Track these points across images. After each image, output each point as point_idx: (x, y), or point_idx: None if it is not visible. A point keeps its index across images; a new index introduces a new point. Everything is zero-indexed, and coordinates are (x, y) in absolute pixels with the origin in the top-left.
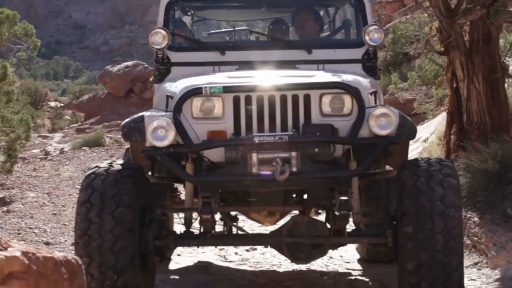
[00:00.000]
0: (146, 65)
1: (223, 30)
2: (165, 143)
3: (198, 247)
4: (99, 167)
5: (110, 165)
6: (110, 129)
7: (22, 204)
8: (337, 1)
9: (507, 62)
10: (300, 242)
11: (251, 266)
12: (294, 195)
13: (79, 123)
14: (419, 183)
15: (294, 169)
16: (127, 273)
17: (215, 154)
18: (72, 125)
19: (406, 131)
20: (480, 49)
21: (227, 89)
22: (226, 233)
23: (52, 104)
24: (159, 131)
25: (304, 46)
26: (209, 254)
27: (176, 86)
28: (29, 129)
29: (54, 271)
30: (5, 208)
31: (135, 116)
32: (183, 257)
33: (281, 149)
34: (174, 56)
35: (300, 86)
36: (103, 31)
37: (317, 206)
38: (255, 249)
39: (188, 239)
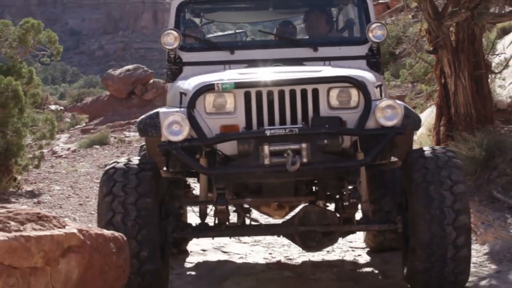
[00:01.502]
0: (146, 68)
1: (229, 32)
2: (180, 137)
3: (213, 238)
4: (118, 162)
5: (129, 160)
6: (114, 129)
7: (50, 196)
8: (341, 1)
9: (490, 60)
10: (311, 231)
11: (263, 246)
12: (304, 187)
13: (84, 124)
14: (428, 175)
15: (305, 160)
16: (149, 262)
17: (228, 148)
18: (77, 126)
19: (411, 122)
20: (466, 48)
21: (238, 85)
22: (240, 224)
23: (53, 107)
24: (174, 126)
25: (310, 44)
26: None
27: (189, 83)
28: (53, 128)
29: (104, 246)
30: (35, 200)
31: (151, 112)
32: (201, 239)
33: (291, 141)
34: (186, 56)
35: (308, 80)
36: (98, 37)
37: (326, 197)
38: None
39: (204, 230)
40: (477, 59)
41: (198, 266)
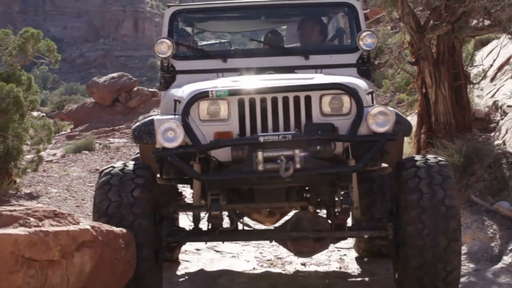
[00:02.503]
0: (131, 76)
1: (212, 42)
2: (175, 144)
3: (206, 243)
4: (114, 167)
5: (125, 165)
6: (99, 135)
7: (48, 198)
8: (331, 10)
9: (469, 71)
10: (303, 237)
11: (254, 246)
12: (296, 193)
13: (69, 130)
14: (421, 184)
15: (298, 166)
16: (143, 263)
17: (222, 154)
18: (62, 133)
19: (402, 128)
20: (446, 60)
21: (232, 92)
22: (233, 229)
23: (35, 114)
24: (169, 133)
25: (301, 52)
26: None
27: (183, 91)
28: (50, 133)
29: (114, 241)
30: (35, 202)
31: (145, 120)
32: None
33: (285, 147)
34: (179, 65)
35: (301, 87)
36: (79, 45)
37: (318, 203)
38: None
39: (198, 235)
40: (457, 71)
41: (193, 263)
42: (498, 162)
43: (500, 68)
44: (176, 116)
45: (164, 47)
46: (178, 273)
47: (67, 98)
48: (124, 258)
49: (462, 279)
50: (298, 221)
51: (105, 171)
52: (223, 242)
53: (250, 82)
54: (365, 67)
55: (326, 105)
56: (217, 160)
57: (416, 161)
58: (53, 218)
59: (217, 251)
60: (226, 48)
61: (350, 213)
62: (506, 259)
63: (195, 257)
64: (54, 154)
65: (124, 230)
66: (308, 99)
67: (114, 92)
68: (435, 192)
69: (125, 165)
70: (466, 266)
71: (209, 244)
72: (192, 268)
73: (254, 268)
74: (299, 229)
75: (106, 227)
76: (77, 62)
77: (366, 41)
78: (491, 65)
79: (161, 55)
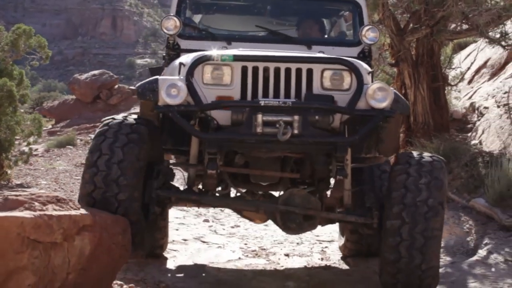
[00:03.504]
0: (112, 74)
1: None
2: (177, 101)
3: (198, 207)
4: (114, 119)
5: (125, 118)
6: (80, 131)
7: (38, 190)
8: (336, 6)
9: (447, 73)
10: (292, 212)
11: (239, 238)
12: (291, 165)
13: (51, 126)
14: (408, 182)
15: (296, 132)
16: (129, 215)
17: (222, 117)
18: (44, 128)
19: (400, 107)
20: (425, 62)
21: (237, 58)
22: (225, 194)
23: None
24: (172, 90)
25: (305, 42)
26: (202, 228)
27: (188, 56)
28: (40, 127)
29: (112, 226)
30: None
31: (149, 79)
32: (181, 231)
33: (284, 112)
34: (184, 43)
35: (304, 59)
36: (58, 42)
37: (311, 175)
38: (239, 226)
39: (189, 193)
40: (435, 72)
41: (181, 253)
42: (475, 161)
43: (477, 71)
44: (180, 77)
45: (171, 24)
46: (167, 262)
47: (46, 95)
48: (121, 243)
49: (439, 270)
50: (290, 197)
51: (105, 121)
52: (214, 208)
53: (256, 52)
54: (365, 61)
55: (327, 80)
56: (217, 123)
57: (411, 157)
58: (56, 203)
59: (204, 242)
60: (231, 32)
61: (342, 198)
62: (481, 252)
63: (182, 247)
64: (36, 149)
65: (121, 217)
66: (310, 72)
67: (95, 89)
68: (420, 191)
69: (125, 118)
70: (443, 259)
71: (196, 235)
72: (180, 257)
73: (239, 258)
74: (290, 204)
75: (105, 213)
76: (55, 59)
77: (369, 35)
78: (469, 68)
79: (167, 32)
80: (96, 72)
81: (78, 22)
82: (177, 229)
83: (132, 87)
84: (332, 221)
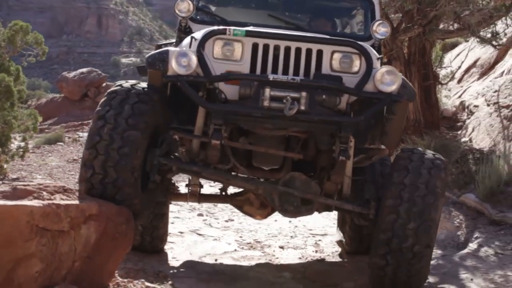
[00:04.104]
0: (100, 72)
1: None
2: (187, 71)
3: (198, 178)
4: (122, 86)
5: (133, 86)
6: (68, 129)
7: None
8: (349, 2)
9: (438, 72)
10: (291, 194)
11: (234, 231)
12: (295, 145)
13: (38, 124)
14: (410, 166)
15: (303, 108)
16: (125, 190)
17: (230, 91)
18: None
19: (407, 92)
20: (417, 61)
21: (249, 34)
22: (227, 168)
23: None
24: (183, 60)
25: (317, 33)
26: (197, 222)
27: (200, 31)
28: (36, 122)
29: (116, 216)
30: None
31: (160, 50)
32: (177, 224)
33: (292, 89)
34: (196, 27)
35: (315, 39)
36: None
37: (315, 157)
38: (233, 220)
39: (191, 164)
40: (427, 71)
41: (178, 245)
42: (465, 157)
43: (467, 70)
44: (191, 49)
45: (185, 7)
46: (165, 253)
47: (30, 93)
48: (124, 232)
49: (431, 262)
50: (291, 179)
51: (118, 83)
52: (214, 182)
53: (268, 29)
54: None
55: (337, 62)
56: (224, 96)
57: (415, 149)
58: (63, 193)
59: (200, 234)
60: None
61: (341, 188)
62: (472, 246)
63: (179, 239)
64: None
65: (125, 207)
66: (320, 53)
67: (83, 87)
68: (420, 174)
69: (138, 82)
70: (434, 252)
71: (192, 228)
72: (177, 249)
73: (235, 250)
74: (290, 187)
75: (110, 203)
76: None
77: (380, 30)
78: (459, 67)
79: (180, 14)
80: (84, 70)
81: (63, 21)
82: (172, 223)
83: None
84: (329, 209)
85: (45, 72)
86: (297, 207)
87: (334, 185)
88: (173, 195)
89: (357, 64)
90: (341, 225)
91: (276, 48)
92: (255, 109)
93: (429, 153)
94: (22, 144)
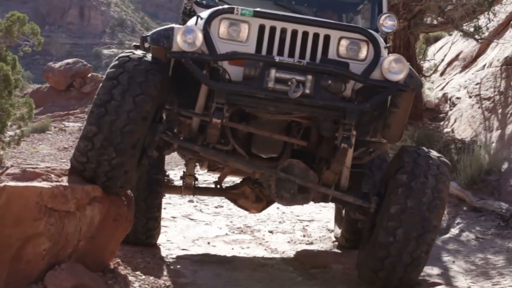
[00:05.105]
0: (85, 63)
1: None
2: (192, 48)
3: (194, 166)
4: (134, 53)
5: (144, 55)
6: (54, 119)
7: None
8: None
9: (422, 64)
10: (289, 180)
11: (224, 216)
12: (297, 131)
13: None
14: (417, 169)
15: (307, 91)
16: (125, 155)
17: (234, 72)
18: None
19: (414, 82)
20: (401, 54)
21: (256, 14)
22: (226, 150)
23: None
24: (188, 37)
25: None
26: (188, 207)
27: (206, 11)
28: (31, 110)
29: (118, 198)
30: None
31: (165, 27)
32: (168, 209)
33: (298, 71)
34: (200, 11)
35: (323, 24)
36: None
37: (317, 144)
38: (222, 206)
39: (191, 142)
40: (411, 64)
41: (171, 229)
42: (447, 147)
43: (450, 63)
44: (197, 26)
45: None
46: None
47: None
48: (125, 214)
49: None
50: (289, 166)
51: (127, 51)
52: (210, 170)
53: (276, 12)
54: None
55: (344, 48)
56: (229, 76)
57: (419, 149)
58: (69, 176)
59: (192, 219)
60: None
61: (339, 180)
62: (454, 231)
63: (172, 224)
64: (10, 136)
65: (126, 191)
66: (327, 38)
67: (69, 78)
68: (427, 179)
69: (145, 55)
70: None
71: (184, 213)
72: (171, 233)
73: (226, 234)
74: (289, 173)
75: None
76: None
77: (387, 23)
78: (442, 60)
79: None
80: (70, 60)
81: (45, 12)
82: (164, 208)
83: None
84: (326, 199)
85: (27, 62)
86: (293, 194)
87: (332, 174)
88: (168, 188)
89: (364, 51)
90: (339, 219)
91: (283, 31)
92: (259, 90)
93: (434, 155)
94: (18, 131)
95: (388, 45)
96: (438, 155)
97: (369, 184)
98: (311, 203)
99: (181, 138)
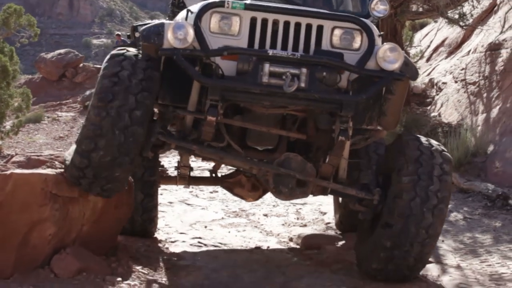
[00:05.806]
0: (77, 53)
1: None
2: (183, 44)
3: (189, 159)
4: (129, 51)
5: (138, 53)
6: (47, 109)
7: None
8: None
9: (408, 51)
10: (287, 175)
11: (219, 201)
12: (292, 124)
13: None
14: (422, 158)
15: (302, 85)
16: (130, 155)
17: (227, 67)
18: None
19: (409, 70)
20: (389, 41)
21: (248, 7)
22: (222, 146)
23: None
24: (179, 33)
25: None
26: (184, 193)
27: (196, 4)
28: (29, 100)
29: None
30: None
31: (155, 23)
32: (165, 195)
33: (292, 65)
34: (189, 2)
35: (315, 14)
36: None
37: (315, 137)
38: (217, 191)
39: (188, 141)
40: None
41: (169, 213)
42: (435, 131)
43: (436, 49)
44: (188, 21)
45: None
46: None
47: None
48: (126, 201)
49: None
50: (286, 160)
51: (116, 58)
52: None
53: (268, 3)
54: None
55: (337, 38)
56: (221, 72)
57: (419, 137)
58: None
59: (188, 204)
60: None
61: (336, 172)
62: None
63: (169, 209)
64: (5, 126)
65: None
66: (320, 29)
67: (61, 68)
68: (433, 168)
69: (137, 58)
70: None
71: (180, 198)
72: (169, 217)
73: (222, 218)
74: (286, 168)
75: None
76: (11, 39)
77: (378, 7)
78: (428, 46)
79: None
80: (62, 51)
81: (35, 2)
82: (161, 194)
83: (98, 66)
84: (325, 192)
85: (17, 53)
86: (292, 189)
87: (330, 167)
88: (163, 178)
89: (358, 40)
90: (337, 207)
91: (275, 23)
92: (253, 85)
93: (435, 144)
94: (16, 121)
95: (381, 33)
96: (441, 148)
97: (369, 175)
98: None
99: (177, 137)
